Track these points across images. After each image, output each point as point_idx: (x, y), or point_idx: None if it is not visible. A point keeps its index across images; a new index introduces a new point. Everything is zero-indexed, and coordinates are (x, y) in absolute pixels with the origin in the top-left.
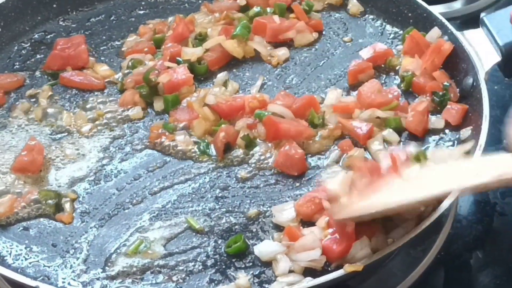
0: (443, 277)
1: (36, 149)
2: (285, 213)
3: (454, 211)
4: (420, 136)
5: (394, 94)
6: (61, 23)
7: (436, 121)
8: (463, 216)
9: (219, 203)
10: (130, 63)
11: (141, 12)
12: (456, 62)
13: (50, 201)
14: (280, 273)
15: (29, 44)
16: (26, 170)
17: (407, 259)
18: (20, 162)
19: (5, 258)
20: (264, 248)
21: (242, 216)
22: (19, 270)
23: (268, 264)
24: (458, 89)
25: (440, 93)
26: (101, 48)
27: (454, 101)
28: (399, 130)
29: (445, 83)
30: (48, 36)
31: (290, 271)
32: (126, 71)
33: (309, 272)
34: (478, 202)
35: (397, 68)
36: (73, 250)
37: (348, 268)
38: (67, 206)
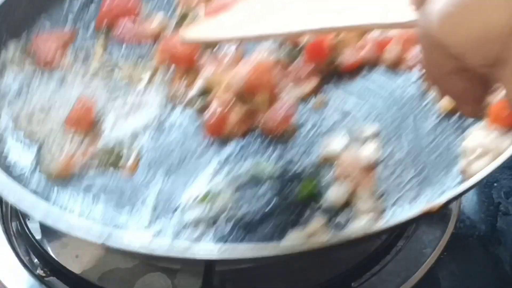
0: (446, 278)
1: (86, 103)
2: (335, 142)
3: (457, 210)
4: None
5: None
6: None
7: None
8: (466, 216)
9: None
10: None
11: None
12: None
13: (109, 155)
14: (365, 210)
15: None
16: (78, 125)
17: (410, 259)
18: (71, 117)
19: (72, 208)
20: (333, 194)
21: (312, 161)
22: (86, 217)
23: (346, 205)
24: None
25: None
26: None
27: None
28: None
29: None
30: None
31: None
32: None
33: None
34: (482, 201)
35: None
36: (142, 199)
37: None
38: (131, 156)
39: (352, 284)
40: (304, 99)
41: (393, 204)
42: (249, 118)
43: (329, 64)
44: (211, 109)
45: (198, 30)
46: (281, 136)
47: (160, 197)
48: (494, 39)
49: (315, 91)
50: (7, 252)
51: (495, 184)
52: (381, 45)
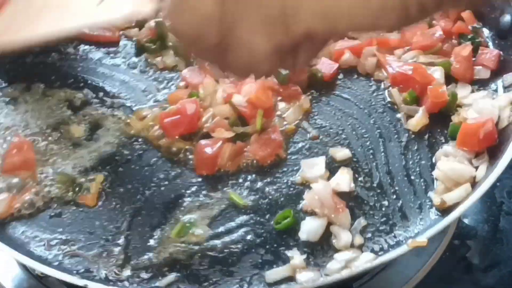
0: (448, 278)
1: (26, 145)
2: (315, 168)
3: None
4: (468, 83)
5: (437, 35)
6: None
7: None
8: (469, 216)
9: (261, 174)
10: None
11: None
12: None
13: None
14: (342, 246)
15: None
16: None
17: (412, 259)
18: (10, 163)
19: (38, 248)
20: (308, 228)
21: (287, 186)
22: (56, 262)
23: (323, 239)
24: (493, 31)
25: (469, 36)
26: None
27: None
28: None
29: (474, 25)
30: None
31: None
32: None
33: (367, 247)
34: (484, 201)
35: None
36: (111, 237)
37: (412, 244)
38: (91, 186)
39: (354, 284)
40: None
41: (370, 238)
42: (238, 154)
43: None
44: (201, 147)
45: None
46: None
47: (131, 235)
48: (206, 23)
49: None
50: None
51: (498, 184)
52: (357, 51)
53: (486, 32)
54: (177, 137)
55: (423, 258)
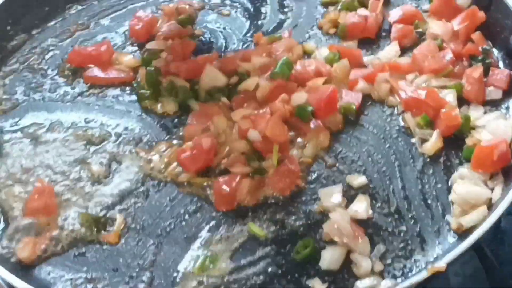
0: (449, 278)
1: (47, 191)
2: (333, 197)
3: None
4: (480, 105)
5: (448, 58)
6: (70, 11)
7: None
8: None
9: (280, 205)
10: (145, 55)
11: None
12: (497, 18)
13: (89, 225)
14: (363, 273)
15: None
16: (40, 213)
17: None
18: (31, 207)
19: None
20: (328, 257)
21: (306, 216)
22: None
23: (343, 267)
24: (503, 51)
25: (479, 57)
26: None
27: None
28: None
29: (485, 46)
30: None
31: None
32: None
33: (387, 272)
34: None
35: (425, 31)
36: (136, 273)
37: (431, 270)
38: (114, 224)
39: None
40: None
41: (390, 264)
42: (257, 188)
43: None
44: (220, 183)
45: None
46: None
47: (155, 271)
48: None
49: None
50: None
51: None
52: (371, 79)
53: (496, 52)
54: (195, 173)
55: None
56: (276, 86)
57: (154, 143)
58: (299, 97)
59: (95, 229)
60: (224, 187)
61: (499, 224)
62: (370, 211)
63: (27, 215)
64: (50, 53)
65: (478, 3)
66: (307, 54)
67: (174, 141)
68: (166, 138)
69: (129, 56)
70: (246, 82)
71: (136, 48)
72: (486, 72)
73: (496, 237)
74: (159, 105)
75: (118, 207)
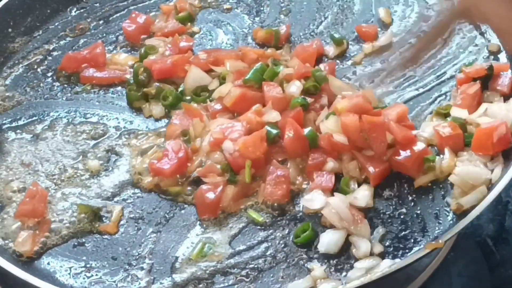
0: (453, 278)
1: (38, 195)
2: (315, 202)
3: None
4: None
5: None
6: (72, 13)
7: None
8: None
9: None
10: (142, 51)
11: None
12: None
13: (88, 216)
14: (362, 255)
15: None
16: (29, 217)
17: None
18: (21, 210)
19: (65, 279)
20: (327, 241)
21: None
22: None
23: (343, 249)
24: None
25: None
26: (119, 36)
27: None
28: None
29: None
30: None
31: None
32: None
33: (386, 253)
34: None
35: None
36: (135, 261)
37: (430, 246)
38: (112, 215)
39: None
40: None
41: (389, 246)
42: (242, 196)
43: None
44: (202, 192)
45: None
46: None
47: (154, 258)
48: None
49: None
50: None
51: None
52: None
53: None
54: (169, 178)
55: (427, 259)
56: (245, 94)
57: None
58: (271, 115)
59: (94, 220)
60: (208, 195)
61: (503, 223)
62: (371, 201)
63: (17, 218)
64: (51, 54)
65: None
66: None
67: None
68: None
69: (125, 55)
70: (220, 88)
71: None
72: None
73: (500, 237)
74: (146, 105)
75: (117, 198)
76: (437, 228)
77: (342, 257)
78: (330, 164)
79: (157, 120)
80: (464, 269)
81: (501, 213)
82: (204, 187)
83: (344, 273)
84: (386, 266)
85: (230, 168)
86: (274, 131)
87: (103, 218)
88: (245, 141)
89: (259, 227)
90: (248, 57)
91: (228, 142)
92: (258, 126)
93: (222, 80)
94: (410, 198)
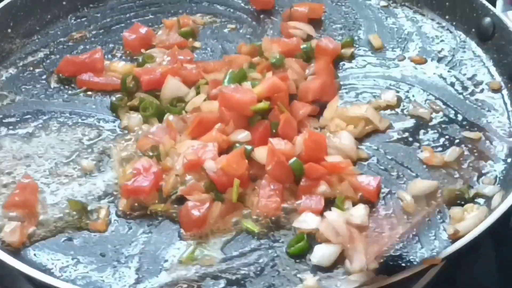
0: (455, 279)
1: (30, 188)
2: (309, 222)
3: None
4: None
5: None
6: (72, 21)
7: None
8: None
9: None
10: (140, 60)
11: (157, 8)
12: (502, 45)
13: (78, 212)
14: (357, 270)
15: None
16: (19, 208)
17: None
18: (11, 201)
19: (51, 270)
20: (321, 254)
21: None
22: (68, 283)
23: (336, 262)
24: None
25: None
26: (119, 46)
27: None
28: None
29: None
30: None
31: None
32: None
33: (381, 271)
34: None
35: None
36: (124, 259)
37: (427, 262)
38: (100, 212)
39: None
40: None
41: (384, 262)
42: (230, 212)
43: None
44: (188, 208)
45: None
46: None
47: (143, 257)
48: None
49: None
50: None
51: None
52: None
53: (499, 78)
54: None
55: None
56: (201, 120)
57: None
58: (240, 135)
59: (83, 217)
60: (194, 211)
61: (508, 222)
62: (366, 220)
63: (6, 208)
64: (49, 57)
65: (481, 35)
66: None
67: None
68: None
69: (123, 63)
70: (194, 100)
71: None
72: None
73: (506, 236)
74: (125, 116)
75: (108, 198)
76: (432, 248)
77: (335, 270)
78: (323, 187)
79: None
80: (467, 270)
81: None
82: (190, 203)
83: (337, 285)
84: (382, 279)
85: (215, 187)
86: (249, 148)
87: (92, 216)
88: (228, 159)
89: (253, 235)
90: (236, 63)
91: (210, 161)
92: (224, 144)
93: (197, 89)
94: (406, 218)
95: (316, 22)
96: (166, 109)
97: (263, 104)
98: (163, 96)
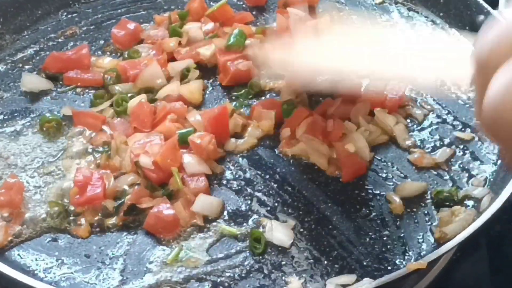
0: (459, 278)
1: (16, 187)
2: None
3: None
4: None
5: None
6: (63, 17)
7: None
8: None
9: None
10: (126, 55)
11: (149, 3)
12: None
13: (59, 213)
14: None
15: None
16: (4, 207)
17: None
18: None
19: (35, 271)
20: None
21: None
22: (52, 284)
23: (319, 265)
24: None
25: None
26: (109, 42)
27: None
28: None
29: None
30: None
31: None
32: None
33: (366, 272)
34: None
35: None
36: (108, 260)
37: (411, 266)
38: (82, 220)
39: None
40: None
41: (368, 266)
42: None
43: None
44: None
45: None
46: None
47: (128, 259)
48: None
49: None
50: None
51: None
52: None
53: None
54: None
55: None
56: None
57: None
58: (193, 116)
59: (64, 220)
60: (163, 217)
61: (510, 222)
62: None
63: None
64: (39, 54)
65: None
66: None
67: None
68: None
69: (110, 59)
70: (166, 88)
71: (119, 54)
72: None
73: (507, 237)
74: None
75: None
76: (419, 251)
77: (320, 272)
78: None
79: None
80: (470, 270)
81: (508, 211)
82: (152, 211)
83: (320, 287)
84: (364, 283)
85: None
86: (185, 131)
87: (73, 219)
88: (162, 153)
89: (237, 237)
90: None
91: (144, 157)
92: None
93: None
94: (393, 221)
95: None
96: (116, 103)
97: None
98: (140, 80)
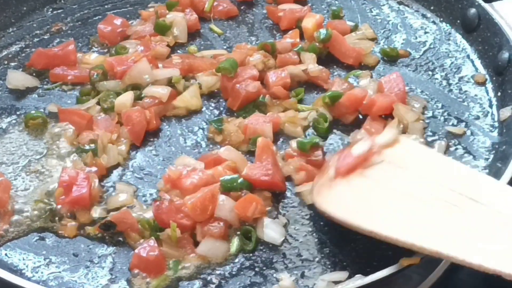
0: (461, 280)
1: (2, 186)
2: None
3: None
4: None
5: None
6: (49, 13)
7: None
8: None
9: None
10: (113, 51)
11: None
12: (487, 37)
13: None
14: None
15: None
16: None
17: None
18: None
19: (23, 271)
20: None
21: None
22: (40, 283)
23: (311, 262)
24: (490, 68)
25: None
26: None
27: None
28: None
29: None
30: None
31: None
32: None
33: (358, 269)
34: None
35: None
36: (97, 259)
37: (404, 262)
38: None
39: None
40: None
41: (363, 263)
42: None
43: None
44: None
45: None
46: None
47: (117, 258)
48: None
49: None
50: None
51: None
52: None
53: (483, 70)
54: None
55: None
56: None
57: None
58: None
59: (50, 219)
60: (148, 257)
61: None
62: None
63: None
64: (25, 51)
65: (466, 26)
66: None
67: None
68: None
69: (96, 55)
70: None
71: (106, 50)
72: None
73: None
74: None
75: None
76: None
77: (312, 270)
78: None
79: None
80: (472, 271)
81: None
82: (138, 251)
83: (313, 285)
84: (356, 278)
85: (156, 227)
86: (236, 180)
87: (59, 218)
88: (194, 202)
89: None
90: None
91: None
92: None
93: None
94: None
95: None
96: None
97: None
98: (128, 76)
